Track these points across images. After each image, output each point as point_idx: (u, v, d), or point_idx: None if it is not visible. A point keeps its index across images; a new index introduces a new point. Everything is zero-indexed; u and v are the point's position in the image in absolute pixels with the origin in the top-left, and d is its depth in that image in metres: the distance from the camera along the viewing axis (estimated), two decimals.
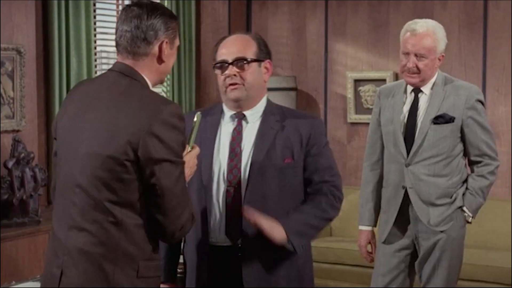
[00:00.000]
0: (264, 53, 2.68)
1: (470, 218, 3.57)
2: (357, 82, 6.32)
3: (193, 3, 6.29)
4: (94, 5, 5.55)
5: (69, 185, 2.24)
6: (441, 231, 3.50)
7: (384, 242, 3.63)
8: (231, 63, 2.61)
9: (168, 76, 6.11)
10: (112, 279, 2.17)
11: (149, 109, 2.16)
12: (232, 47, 2.64)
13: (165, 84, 6.14)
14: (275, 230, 2.53)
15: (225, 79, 2.63)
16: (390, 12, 6.21)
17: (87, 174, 2.18)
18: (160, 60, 2.29)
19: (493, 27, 5.82)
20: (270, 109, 2.70)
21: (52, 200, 2.45)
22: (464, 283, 5.15)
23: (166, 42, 2.28)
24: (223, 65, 2.63)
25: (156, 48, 2.27)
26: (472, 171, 3.59)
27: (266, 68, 2.68)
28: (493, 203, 5.62)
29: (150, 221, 2.21)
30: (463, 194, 3.53)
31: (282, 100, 5.92)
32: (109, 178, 2.16)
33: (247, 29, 6.78)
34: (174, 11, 6.08)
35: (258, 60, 2.64)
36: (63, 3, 5.19)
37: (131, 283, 2.19)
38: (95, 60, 5.52)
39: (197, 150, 2.39)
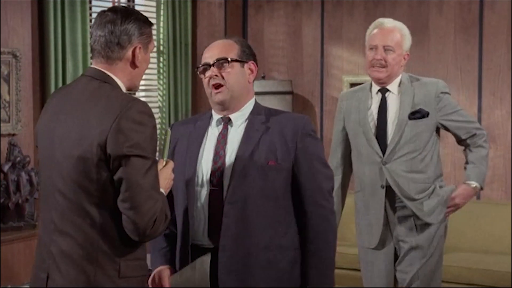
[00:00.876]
0: (247, 54, 2.68)
1: (479, 190, 3.64)
2: (353, 85, 6.31)
3: (189, 6, 6.28)
4: (90, 8, 5.55)
5: (49, 189, 2.28)
6: (422, 231, 3.51)
7: (374, 248, 3.62)
8: (212, 65, 2.63)
9: (164, 80, 6.12)
10: (93, 280, 2.20)
11: (116, 107, 2.18)
12: (214, 50, 2.67)
13: (161, 88, 6.14)
14: None
15: (208, 81, 2.65)
16: (385, 16, 6.19)
17: (63, 177, 2.22)
18: (133, 64, 2.32)
19: (489, 30, 5.83)
20: (257, 111, 2.70)
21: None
22: (461, 287, 5.15)
23: (140, 48, 2.31)
24: (206, 67, 2.66)
25: (129, 53, 2.30)
26: (467, 145, 3.64)
27: (250, 69, 2.68)
28: (490, 206, 5.62)
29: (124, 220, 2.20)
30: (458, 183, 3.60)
31: (278, 103, 5.90)
32: (83, 180, 2.18)
33: (243, 33, 6.78)
34: (170, 15, 6.08)
35: (240, 61, 2.65)
36: (59, 6, 5.19)
37: (113, 283, 2.21)
38: (91, 64, 5.50)
39: (171, 163, 2.43)
